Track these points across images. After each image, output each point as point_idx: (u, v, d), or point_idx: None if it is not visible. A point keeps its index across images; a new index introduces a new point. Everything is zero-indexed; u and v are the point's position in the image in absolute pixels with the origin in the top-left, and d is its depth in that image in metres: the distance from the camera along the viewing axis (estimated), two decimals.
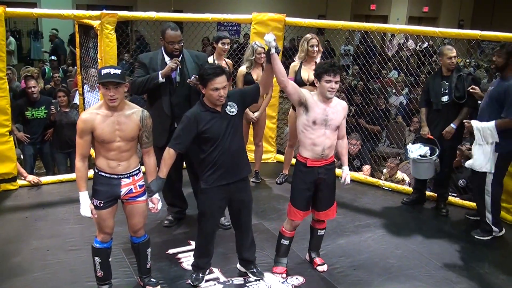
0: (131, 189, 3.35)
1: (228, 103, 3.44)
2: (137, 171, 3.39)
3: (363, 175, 6.11)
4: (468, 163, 4.56)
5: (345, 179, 3.76)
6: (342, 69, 3.57)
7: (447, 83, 4.90)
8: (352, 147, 6.36)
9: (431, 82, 5.11)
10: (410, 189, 5.55)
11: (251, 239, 3.79)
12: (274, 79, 3.63)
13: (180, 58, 4.20)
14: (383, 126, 7.74)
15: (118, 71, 3.15)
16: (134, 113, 3.29)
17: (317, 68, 3.63)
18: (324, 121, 3.59)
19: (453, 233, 4.80)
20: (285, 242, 3.88)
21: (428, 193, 5.44)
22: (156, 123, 4.18)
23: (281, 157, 6.14)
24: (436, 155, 4.92)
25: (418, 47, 12.99)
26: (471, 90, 4.76)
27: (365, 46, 7.58)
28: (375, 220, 4.97)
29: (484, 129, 4.37)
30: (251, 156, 5.71)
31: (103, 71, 3.13)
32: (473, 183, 4.75)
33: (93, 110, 3.25)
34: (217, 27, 6.89)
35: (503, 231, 4.71)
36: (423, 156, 4.95)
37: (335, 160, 3.81)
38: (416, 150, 5.00)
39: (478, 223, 4.81)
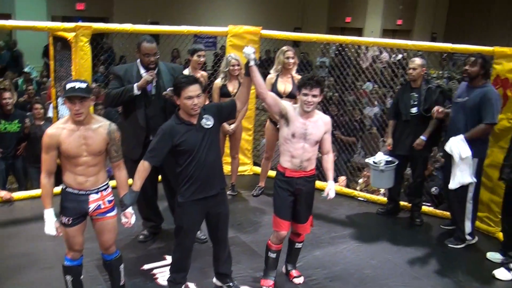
0: (100, 205, 3.29)
1: (204, 116, 3.43)
2: (106, 186, 3.33)
3: (339, 185, 6.16)
4: (451, 186, 4.59)
5: (327, 193, 3.71)
6: (322, 82, 3.56)
7: (416, 95, 4.98)
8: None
9: (400, 94, 5.20)
10: (385, 199, 5.61)
11: (228, 252, 3.77)
12: (253, 91, 3.65)
13: (156, 70, 4.18)
14: (358, 137, 7.83)
15: (84, 85, 3.10)
16: (101, 126, 3.23)
17: (298, 81, 3.68)
18: (303, 135, 3.61)
19: (428, 243, 4.87)
20: (272, 255, 3.86)
21: (402, 203, 5.50)
22: (130, 135, 4.18)
23: (257, 169, 6.15)
24: (392, 165, 5.03)
25: (392, 59, 13.18)
26: (436, 114, 4.80)
27: (340, 58, 7.67)
28: (350, 230, 5.01)
29: (458, 147, 4.47)
30: (227, 168, 5.73)
31: (68, 85, 3.07)
32: (452, 191, 4.76)
33: (59, 125, 3.19)
34: (194, 39, 6.90)
35: (476, 239, 4.80)
36: (377, 163, 5.07)
37: (315, 174, 3.80)
38: (375, 159, 5.13)
39: (452, 232, 4.89)
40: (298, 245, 3.99)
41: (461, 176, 4.50)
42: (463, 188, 4.62)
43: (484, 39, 19.30)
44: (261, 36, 6.05)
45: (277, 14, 16.70)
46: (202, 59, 5.23)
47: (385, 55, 14.18)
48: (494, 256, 4.56)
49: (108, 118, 6.69)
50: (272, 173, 6.21)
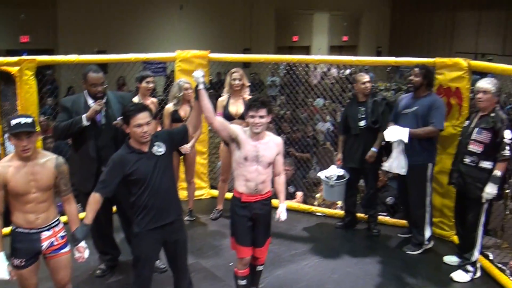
0: (53, 241, 3.21)
1: (155, 143, 3.40)
2: (57, 222, 3.26)
3: (296, 202, 6.20)
4: (385, 166, 4.88)
5: (279, 216, 3.65)
6: (268, 102, 3.57)
7: (363, 108, 5.10)
8: (286, 173, 6.48)
9: (348, 109, 5.32)
10: (342, 212, 5.68)
11: (189, 280, 3.71)
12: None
13: (104, 100, 4.12)
14: (312, 152, 7.93)
15: (29, 120, 3.04)
16: (49, 160, 3.17)
17: (246, 104, 3.66)
18: (255, 158, 3.58)
19: (386, 252, 4.95)
20: (242, 282, 3.80)
21: (359, 214, 5.58)
22: (81, 168, 4.09)
23: (214, 193, 6.12)
24: (342, 181, 5.17)
25: (340, 75, 13.48)
26: (368, 159, 5.07)
27: (290, 76, 7.79)
28: (310, 246, 5.03)
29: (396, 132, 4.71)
30: (183, 194, 5.68)
31: (13, 122, 3.01)
32: (412, 197, 4.89)
33: (5, 163, 3.10)
34: (143, 65, 6.87)
35: (432, 243, 4.94)
36: (329, 178, 5.21)
37: (271, 196, 3.76)
38: (327, 174, 5.26)
39: (409, 239, 5.00)
40: (259, 268, 3.92)
41: (395, 162, 4.73)
42: (422, 195, 4.79)
43: (427, 51, 20.10)
44: (210, 59, 6.08)
45: (226, 37, 16.83)
46: (151, 85, 5.20)
47: (333, 71, 14.49)
48: (450, 259, 4.68)
49: (58, 151, 6.58)
50: (230, 195, 6.19)
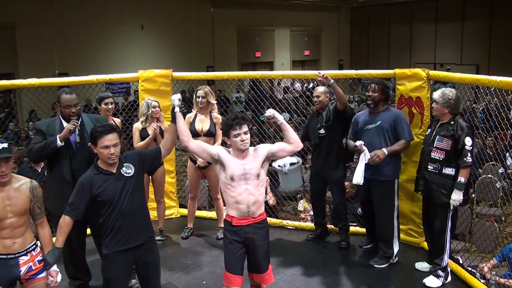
0: (31, 266, 3.16)
1: (124, 164, 3.37)
2: (34, 246, 3.21)
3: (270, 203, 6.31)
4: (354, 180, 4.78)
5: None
6: (247, 117, 3.60)
7: (321, 118, 5.20)
8: None
9: (309, 121, 5.41)
10: (313, 225, 5.69)
11: None
12: None
13: (79, 121, 4.08)
14: None
15: (6, 145, 3.01)
16: (23, 184, 3.14)
17: (222, 126, 3.60)
18: (242, 176, 3.46)
19: (358, 262, 4.98)
20: None
21: (330, 226, 5.60)
22: (56, 190, 4.03)
23: (184, 211, 6.06)
24: (296, 166, 5.15)
25: (304, 88, 13.64)
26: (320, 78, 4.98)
27: (255, 92, 7.83)
28: (284, 260, 5.01)
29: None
30: (153, 214, 5.61)
31: None
32: (379, 212, 4.86)
33: None
34: (106, 86, 6.80)
35: (397, 258, 4.91)
36: (282, 166, 5.16)
37: (266, 218, 3.65)
38: (279, 163, 5.20)
39: (372, 250, 5.05)
40: None
41: (357, 174, 4.71)
42: (390, 209, 4.80)
43: (387, 63, 20.55)
44: (173, 78, 6.06)
45: (189, 55, 16.86)
46: (110, 106, 5.15)
47: (297, 85, 14.66)
48: (422, 265, 4.74)
49: (22, 175, 6.42)
50: (200, 213, 6.16)
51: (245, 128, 3.47)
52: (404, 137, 4.71)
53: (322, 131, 5.17)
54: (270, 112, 3.74)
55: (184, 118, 3.78)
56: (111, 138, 3.28)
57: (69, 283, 4.36)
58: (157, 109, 5.26)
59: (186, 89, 11.80)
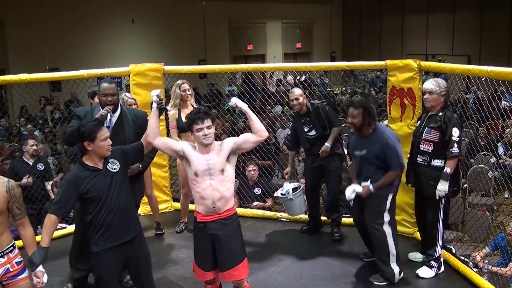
0: (8, 268, 3.12)
1: (110, 160, 3.37)
2: (12, 248, 3.15)
3: (267, 206, 6.31)
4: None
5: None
6: (210, 111, 3.64)
7: (308, 119, 5.15)
8: (251, 173, 6.55)
9: (295, 125, 5.37)
10: (307, 217, 5.70)
11: None
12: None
13: (117, 112, 4.16)
14: (274, 160, 7.96)
15: None
16: None
17: (186, 120, 3.56)
18: (206, 171, 3.42)
19: (352, 254, 4.99)
20: None
21: (323, 218, 5.61)
22: None
23: (178, 205, 6.05)
24: (299, 191, 5.23)
25: (297, 81, 13.63)
26: (321, 154, 5.08)
27: (247, 85, 7.83)
28: (277, 253, 5.03)
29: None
30: (147, 209, 5.61)
31: None
32: (368, 221, 4.39)
33: None
34: (97, 80, 6.76)
35: (402, 274, 4.42)
36: (285, 194, 5.27)
37: (235, 214, 3.56)
38: (282, 191, 5.32)
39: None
40: None
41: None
42: (380, 222, 4.30)
43: (379, 54, 20.58)
44: (164, 72, 6.03)
45: (180, 49, 16.78)
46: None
47: (289, 78, 14.65)
48: (415, 256, 4.76)
49: (13, 170, 6.39)
50: (193, 207, 6.14)
51: (208, 122, 3.40)
52: (394, 169, 4.22)
53: (312, 133, 5.18)
54: (233, 101, 3.71)
55: (162, 113, 3.69)
56: (106, 130, 3.36)
57: (68, 275, 4.32)
58: (134, 106, 5.17)
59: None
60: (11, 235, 3.19)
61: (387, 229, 4.28)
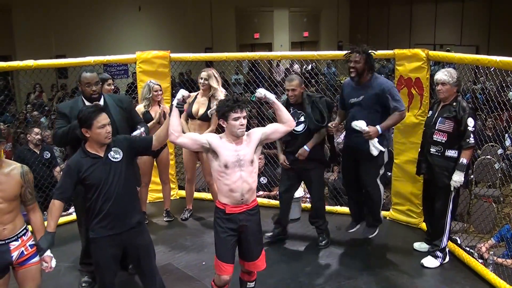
0: (22, 251, 3.15)
1: (113, 148, 3.33)
2: (25, 231, 3.19)
3: (273, 195, 6.31)
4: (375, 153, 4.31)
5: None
6: (246, 100, 3.57)
7: (299, 112, 4.65)
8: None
9: None
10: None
11: (159, 283, 3.59)
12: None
13: (102, 102, 4.01)
14: None
15: None
16: (14, 169, 3.10)
17: (220, 107, 3.39)
18: (237, 163, 3.33)
19: (357, 242, 4.97)
20: None
21: (328, 207, 5.57)
22: None
23: (183, 193, 6.06)
24: (296, 199, 5.19)
25: (303, 70, 13.58)
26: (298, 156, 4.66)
27: (253, 73, 7.79)
28: (283, 241, 5.01)
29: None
30: (158, 195, 5.66)
31: None
32: (367, 177, 4.53)
33: None
34: (104, 68, 6.72)
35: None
36: None
37: (258, 204, 3.54)
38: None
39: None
40: (250, 285, 3.69)
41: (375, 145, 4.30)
42: (375, 176, 4.50)
43: (386, 44, 20.42)
44: (171, 59, 6.02)
45: (187, 37, 16.71)
46: (111, 87, 5.12)
47: (296, 67, 14.58)
48: (420, 246, 4.76)
49: (20, 157, 6.42)
50: (199, 194, 6.17)
51: (244, 113, 3.33)
52: (398, 109, 4.33)
53: (299, 128, 4.61)
54: (261, 92, 3.66)
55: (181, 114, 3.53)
56: (105, 117, 3.27)
57: (81, 269, 4.26)
58: (159, 92, 5.26)
59: (184, 72, 11.72)
60: (23, 219, 3.23)
61: (381, 185, 4.54)
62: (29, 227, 3.26)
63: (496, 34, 18.58)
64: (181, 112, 3.46)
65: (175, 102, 3.41)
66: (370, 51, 4.40)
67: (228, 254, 3.45)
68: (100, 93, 4.08)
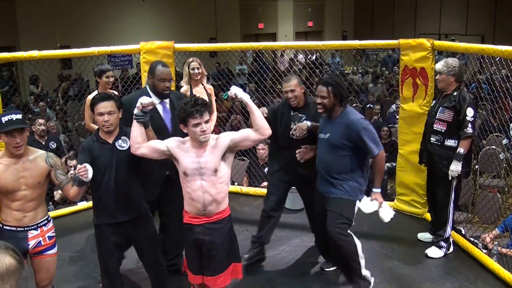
0: (40, 241, 3.18)
1: (122, 137, 3.34)
2: (46, 221, 3.21)
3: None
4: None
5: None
6: (207, 103, 3.09)
7: (300, 115, 4.10)
8: (261, 152, 6.49)
9: (279, 116, 4.20)
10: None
11: (164, 272, 3.62)
12: None
13: (168, 100, 3.88)
14: None
15: (19, 116, 3.00)
16: (38, 156, 3.14)
17: (179, 111, 3.05)
18: (196, 170, 3.02)
19: (360, 233, 4.95)
20: None
21: None
22: (147, 174, 3.63)
23: None
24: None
25: (308, 60, 13.54)
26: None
27: (258, 63, 7.77)
28: (287, 231, 5.02)
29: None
30: None
31: (4, 119, 2.95)
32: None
33: None
34: (108, 58, 6.72)
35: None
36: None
37: (227, 216, 3.16)
38: None
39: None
40: None
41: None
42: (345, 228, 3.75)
43: (391, 33, 20.33)
44: (175, 49, 6.00)
45: (191, 27, 16.69)
46: (111, 79, 5.10)
47: (301, 57, 14.54)
48: (424, 236, 4.76)
49: None
50: None
51: (206, 116, 2.97)
52: (373, 153, 3.66)
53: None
54: (232, 91, 3.26)
55: (147, 126, 3.26)
56: (105, 105, 3.24)
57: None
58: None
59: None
60: (47, 208, 3.25)
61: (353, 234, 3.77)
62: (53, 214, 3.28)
63: (502, 24, 18.47)
64: (144, 124, 3.18)
65: (135, 111, 3.17)
66: (336, 81, 3.77)
67: (194, 265, 3.21)
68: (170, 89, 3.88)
